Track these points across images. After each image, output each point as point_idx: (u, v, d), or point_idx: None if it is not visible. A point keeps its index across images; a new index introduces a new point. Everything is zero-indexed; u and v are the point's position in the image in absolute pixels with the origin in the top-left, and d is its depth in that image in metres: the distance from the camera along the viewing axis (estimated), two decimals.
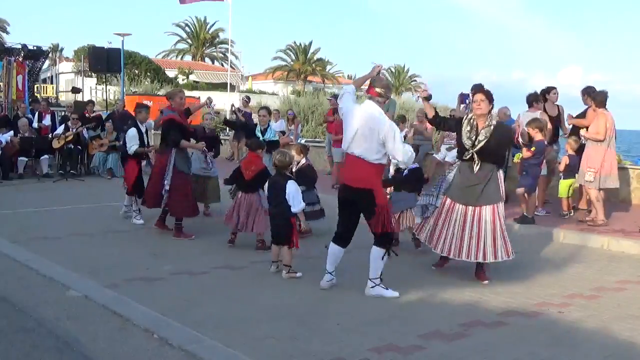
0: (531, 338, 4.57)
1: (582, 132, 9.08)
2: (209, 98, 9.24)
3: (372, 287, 5.56)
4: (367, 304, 5.32)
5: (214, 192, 9.48)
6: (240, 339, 4.39)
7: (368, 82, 5.71)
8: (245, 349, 4.19)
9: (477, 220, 5.97)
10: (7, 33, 51.11)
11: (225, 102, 25.61)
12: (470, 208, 6.01)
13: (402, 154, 5.41)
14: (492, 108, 6.05)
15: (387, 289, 5.56)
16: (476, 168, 5.97)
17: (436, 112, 6.49)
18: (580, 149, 9.38)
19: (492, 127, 5.94)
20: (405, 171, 7.19)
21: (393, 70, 64.64)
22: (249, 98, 19.61)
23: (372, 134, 5.34)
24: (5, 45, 20.58)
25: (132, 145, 8.78)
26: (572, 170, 9.35)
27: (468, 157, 6.02)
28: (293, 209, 6.23)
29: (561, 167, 9.57)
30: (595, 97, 8.99)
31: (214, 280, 6.08)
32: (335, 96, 15.48)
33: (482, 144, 5.92)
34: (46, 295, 5.40)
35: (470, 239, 5.97)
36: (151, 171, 8.43)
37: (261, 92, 45.02)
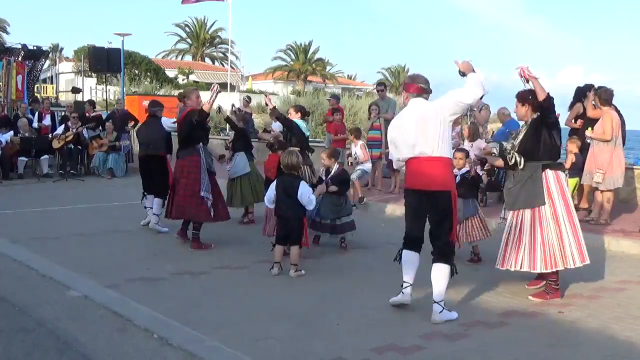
0: (531, 338, 4.57)
1: (587, 132, 8.93)
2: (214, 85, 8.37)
3: (440, 311, 4.90)
4: (367, 304, 5.32)
5: (236, 196, 8.91)
6: (240, 339, 4.39)
7: (404, 82, 5.35)
8: (245, 349, 4.19)
9: (516, 225, 5.63)
10: (7, 33, 51.16)
11: (225, 102, 25.58)
12: (510, 212, 5.72)
13: (478, 88, 4.92)
14: (530, 108, 5.60)
15: (450, 310, 5.00)
16: (522, 166, 5.61)
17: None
18: (582, 148, 9.37)
19: (528, 122, 5.65)
20: (458, 177, 6.83)
21: (393, 71, 64.70)
22: (249, 98, 19.61)
23: (435, 124, 4.91)
24: (5, 45, 20.54)
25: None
26: (576, 168, 9.34)
27: (512, 161, 5.66)
28: (309, 207, 6.28)
29: (567, 165, 9.52)
30: (600, 94, 8.84)
31: (214, 280, 6.08)
32: (335, 96, 15.46)
33: (518, 140, 5.63)
34: (46, 295, 5.40)
35: (512, 246, 5.64)
36: (175, 178, 7.59)
37: (261, 92, 44.98)
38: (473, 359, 4.17)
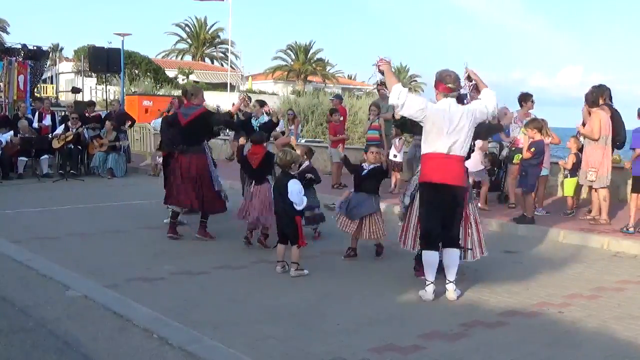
0: (531, 338, 4.57)
1: (579, 127, 9.00)
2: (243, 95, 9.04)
3: (455, 289, 5.49)
4: (367, 304, 5.32)
5: None
6: (240, 339, 4.39)
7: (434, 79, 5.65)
8: (245, 349, 4.19)
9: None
10: (7, 33, 51.11)
11: (225, 102, 25.63)
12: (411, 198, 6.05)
13: (494, 99, 5.52)
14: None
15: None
16: None
17: None
18: (581, 148, 9.39)
19: None
20: (365, 171, 6.91)
21: (394, 71, 64.55)
22: (250, 98, 19.61)
23: (463, 127, 5.33)
24: (5, 45, 20.55)
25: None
26: (576, 168, 9.35)
27: None
28: (298, 207, 6.24)
29: (569, 165, 9.55)
30: (586, 97, 8.88)
31: (214, 280, 6.08)
32: (338, 96, 15.46)
33: None
34: (46, 295, 5.40)
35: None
36: (182, 173, 7.80)
37: (261, 92, 45.00)
38: (473, 359, 4.17)
